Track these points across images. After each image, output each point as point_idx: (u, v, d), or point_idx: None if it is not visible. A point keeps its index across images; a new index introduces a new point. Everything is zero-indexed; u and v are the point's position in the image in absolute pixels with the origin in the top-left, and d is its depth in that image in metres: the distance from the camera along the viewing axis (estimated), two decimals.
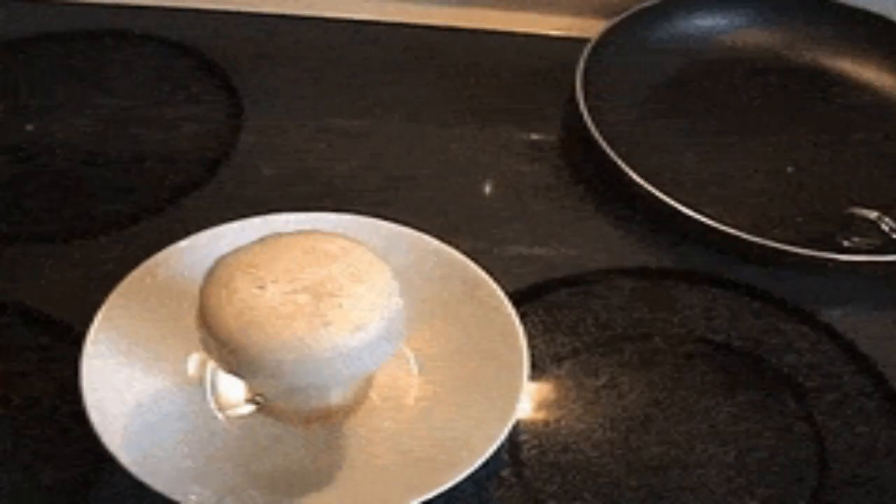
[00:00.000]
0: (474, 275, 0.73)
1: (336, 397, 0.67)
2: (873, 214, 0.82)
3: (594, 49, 0.90)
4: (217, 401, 0.68)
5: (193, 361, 0.68)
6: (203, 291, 0.62)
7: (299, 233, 0.64)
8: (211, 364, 0.68)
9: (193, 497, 0.62)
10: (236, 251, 0.63)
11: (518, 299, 0.73)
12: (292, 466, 0.66)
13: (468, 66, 0.96)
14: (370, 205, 0.77)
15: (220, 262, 0.63)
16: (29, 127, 0.87)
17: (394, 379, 0.70)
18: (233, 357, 0.60)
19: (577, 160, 0.88)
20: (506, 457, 0.69)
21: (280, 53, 0.96)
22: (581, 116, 0.85)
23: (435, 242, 0.74)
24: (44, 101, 0.90)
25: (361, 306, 0.61)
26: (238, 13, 0.98)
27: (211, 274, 0.63)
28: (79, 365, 0.66)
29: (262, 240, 0.64)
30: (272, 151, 0.87)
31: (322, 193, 0.83)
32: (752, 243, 0.78)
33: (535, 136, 0.90)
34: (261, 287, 0.61)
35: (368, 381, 0.69)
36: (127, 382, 0.67)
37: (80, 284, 0.75)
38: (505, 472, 0.68)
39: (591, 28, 0.94)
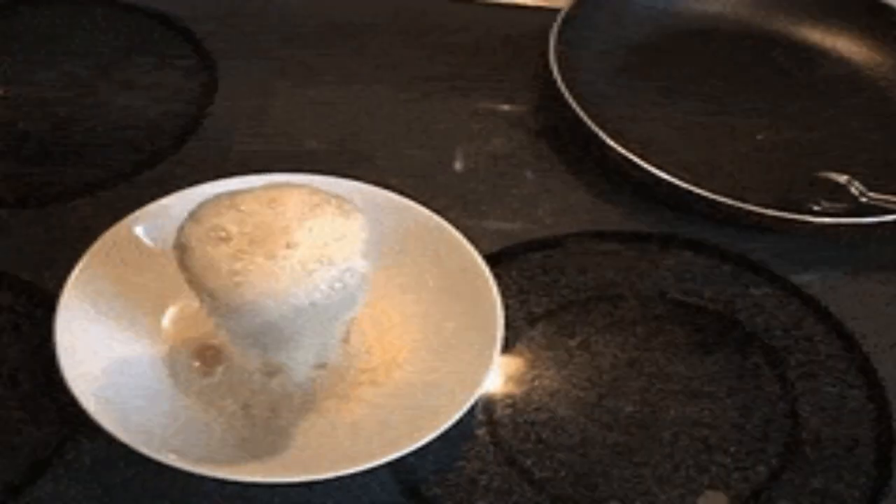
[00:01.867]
0: (450, 236, 0.72)
1: (309, 354, 0.66)
2: (843, 178, 0.82)
3: (566, 17, 0.90)
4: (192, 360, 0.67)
5: (167, 319, 0.68)
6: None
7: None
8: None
9: (171, 455, 0.61)
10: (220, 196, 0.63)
11: (492, 262, 0.72)
12: (265, 424, 0.65)
13: (442, 33, 0.95)
14: (343, 171, 0.75)
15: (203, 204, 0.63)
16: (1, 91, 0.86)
17: (368, 338, 0.69)
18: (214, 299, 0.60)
19: (551, 127, 0.87)
20: (480, 416, 0.68)
21: (254, 19, 0.95)
22: (555, 83, 0.84)
23: (411, 204, 0.73)
24: (14, 65, 0.88)
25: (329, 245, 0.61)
26: None
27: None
28: (52, 326, 0.65)
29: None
30: (246, 118, 0.86)
31: (295, 159, 0.81)
32: (725, 206, 0.78)
33: (509, 104, 0.90)
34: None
35: (341, 341, 0.68)
36: (101, 341, 0.66)
37: (52, 248, 0.74)
38: (479, 431, 0.68)
39: None
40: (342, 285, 0.61)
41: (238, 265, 0.60)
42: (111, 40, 0.91)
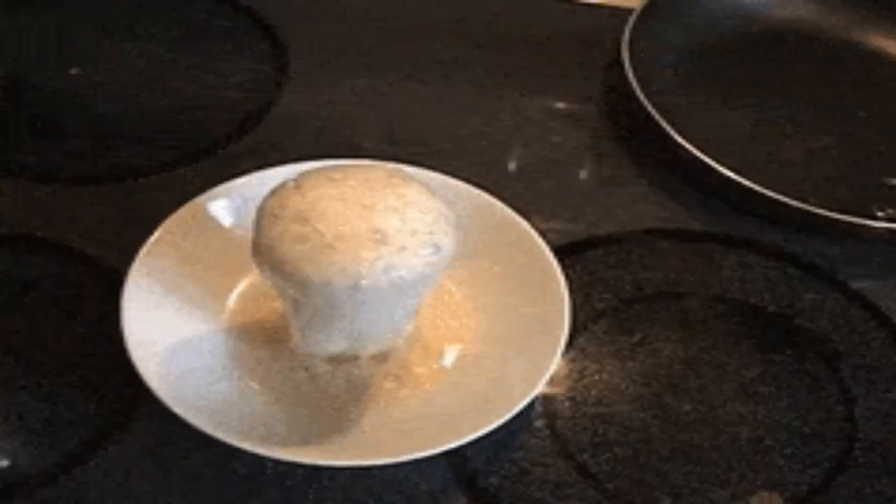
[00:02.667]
0: (519, 228, 0.72)
1: (374, 339, 0.66)
2: None
3: (639, 17, 0.90)
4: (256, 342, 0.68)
5: (233, 299, 0.69)
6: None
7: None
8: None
9: (230, 433, 0.61)
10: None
11: (557, 256, 0.72)
12: (322, 409, 0.66)
13: (511, 30, 0.95)
14: (410, 162, 0.76)
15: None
16: (73, 70, 0.87)
17: (433, 326, 0.70)
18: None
19: (617, 125, 0.87)
20: (539, 408, 0.69)
21: (328, 10, 0.95)
22: (627, 80, 0.84)
23: (481, 194, 0.74)
24: (89, 46, 0.89)
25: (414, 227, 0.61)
26: None
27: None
28: (120, 303, 0.66)
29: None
30: (316, 105, 0.86)
31: (360, 150, 0.82)
32: (789, 207, 0.77)
33: (576, 101, 0.90)
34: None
35: (407, 327, 0.68)
36: (166, 319, 0.67)
37: (121, 226, 0.75)
38: (538, 423, 0.68)
39: None
40: (427, 262, 0.62)
41: (314, 239, 0.60)
42: (185, 25, 0.92)
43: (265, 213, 0.62)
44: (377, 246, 0.60)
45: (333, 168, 0.64)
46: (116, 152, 0.81)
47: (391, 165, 0.68)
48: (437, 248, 0.62)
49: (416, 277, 0.62)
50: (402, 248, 0.61)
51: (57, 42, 0.90)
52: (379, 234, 0.61)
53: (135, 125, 0.83)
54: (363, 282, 0.60)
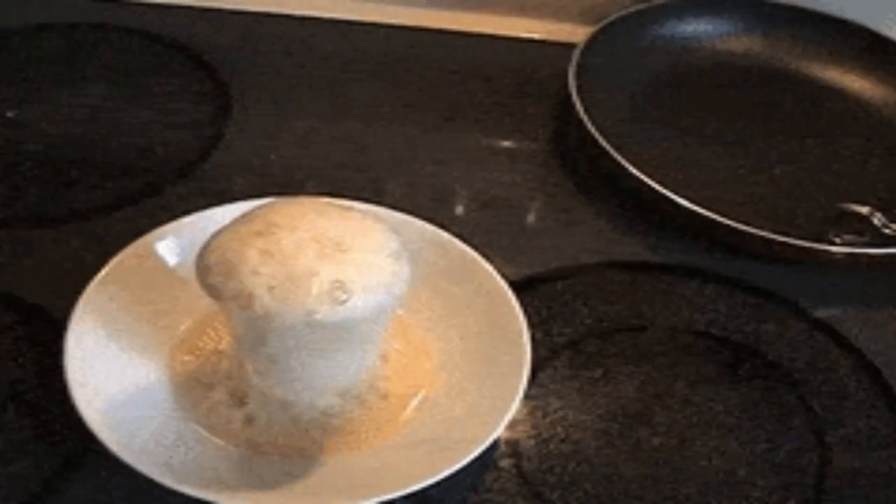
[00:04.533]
0: (476, 264, 0.69)
1: (330, 379, 0.62)
2: (865, 209, 0.79)
3: (583, 52, 0.87)
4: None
5: (179, 341, 0.65)
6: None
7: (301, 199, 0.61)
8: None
9: (175, 479, 0.57)
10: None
11: (513, 291, 0.68)
12: (280, 452, 0.61)
13: (453, 68, 0.92)
14: (360, 200, 0.71)
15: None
16: (9, 114, 0.82)
17: (391, 365, 0.65)
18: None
19: (570, 160, 0.84)
20: (504, 447, 0.64)
21: (270, 51, 0.91)
22: (576, 115, 0.81)
23: (437, 231, 0.70)
24: (28, 89, 0.85)
25: (369, 262, 0.57)
26: (230, 11, 0.94)
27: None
28: (62, 348, 0.61)
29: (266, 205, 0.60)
30: (258, 147, 0.82)
31: (307, 190, 0.78)
32: (748, 235, 0.74)
33: (526, 138, 0.86)
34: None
35: (364, 368, 0.63)
36: (110, 364, 0.63)
37: (62, 270, 0.70)
38: (504, 463, 0.64)
39: (571, 33, 0.92)
40: (372, 304, 0.57)
41: (265, 271, 0.56)
42: (126, 68, 0.88)
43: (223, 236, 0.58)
44: (331, 284, 0.56)
45: (288, 202, 0.60)
46: (55, 195, 0.77)
47: (346, 202, 0.64)
48: (390, 285, 0.58)
49: (370, 314, 0.58)
50: (358, 284, 0.56)
51: None
52: (334, 275, 0.56)
53: (74, 167, 0.79)
54: (317, 316, 0.55)
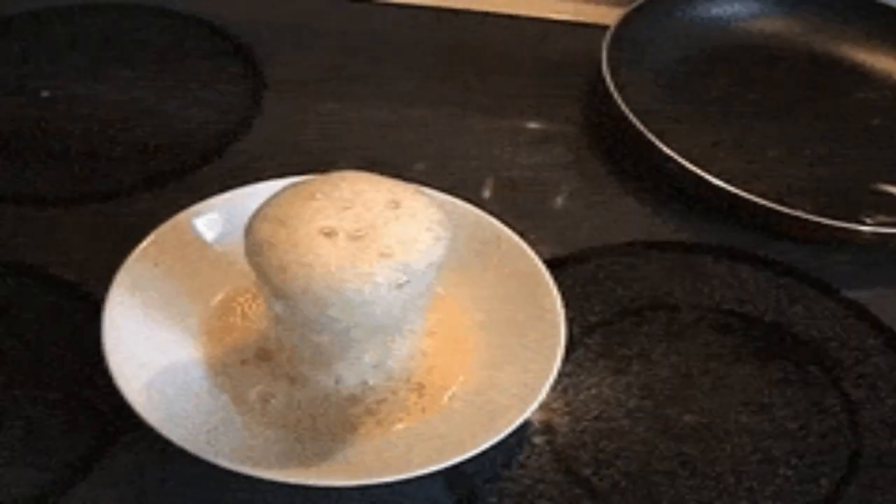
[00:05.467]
0: (511, 243, 0.68)
1: (367, 355, 0.61)
2: None
3: (615, 34, 0.86)
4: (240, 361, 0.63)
5: (217, 317, 0.64)
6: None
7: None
8: None
9: (213, 452, 0.57)
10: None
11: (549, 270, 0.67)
12: (314, 427, 0.61)
13: (485, 50, 0.91)
14: None
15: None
16: (45, 93, 0.82)
17: (429, 342, 0.65)
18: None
19: (602, 141, 0.83)
20: (538, 424, 0.64)
21: (303, 33, 0.91)
22: (609, 95, 0.80)
23: (474, 210, 0.69)
24: (62, 70, 0.84)
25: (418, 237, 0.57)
26: None
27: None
28: (101, 325, 0.61)
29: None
30: (290, 128, 0.82)
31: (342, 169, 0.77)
32: (780, 214, 0.74)
33: (555, 119, 0.85)
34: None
35: (406, 346, 0.63)
36: (147, 339, 0.62)
37: (95, 248, 0.70)
38: (537, 440, 0.63)
39: (601, 15, 0.91)
40: (407, 286, 0.56)
41: (309, 253, 0.55)
42: (162, 48, 0.87)
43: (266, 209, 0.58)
44: (379, 259, 0.56)
45: (338, 176, 0.59)
46: (91, 174, 0.76)
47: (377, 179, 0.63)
48: (420, 275, 0.57)
49: (395, 303, 0.57)
50: (380, 268, 0.56)
51: (29, 65, 0.85)
52: (382, 247, 0.56)
53: (108, 147, 0.78)
54: (366, 295, 0.55)
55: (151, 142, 0.79)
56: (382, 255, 0.55)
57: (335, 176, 0.59)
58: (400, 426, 0.61)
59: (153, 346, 0.62)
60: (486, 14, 0.94)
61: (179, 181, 0.76)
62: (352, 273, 0.55)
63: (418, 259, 0.56)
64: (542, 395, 0.60)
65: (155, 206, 0.71)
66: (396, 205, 0.57)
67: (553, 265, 0.70)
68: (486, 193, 0.78)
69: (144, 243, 0.65)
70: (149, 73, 0.85)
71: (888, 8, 0.92)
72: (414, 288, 0.57)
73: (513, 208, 0.75)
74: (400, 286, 0.56)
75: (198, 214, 0.67)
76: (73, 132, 0.79)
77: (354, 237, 0.56)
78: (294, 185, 0.59)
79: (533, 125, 0.85)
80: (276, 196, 0.59)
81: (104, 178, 0.76)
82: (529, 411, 0.60)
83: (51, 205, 0.74)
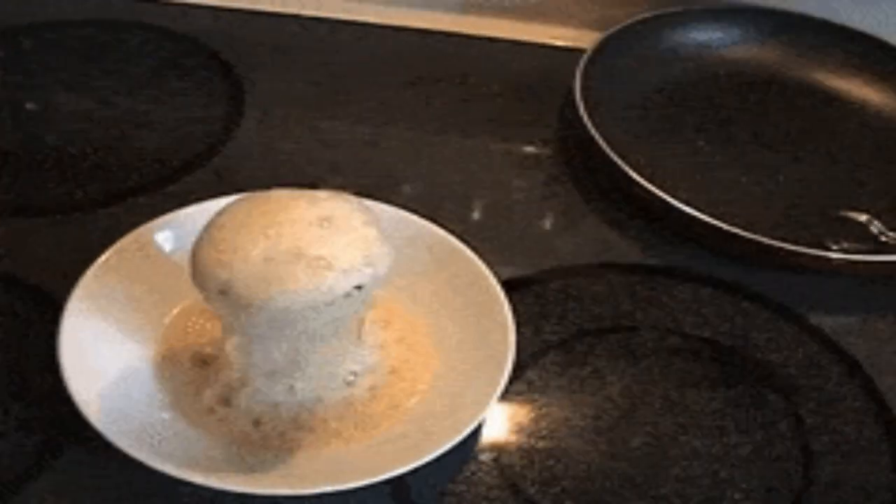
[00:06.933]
0: (466, 260, 0.67)
1: (314, 368, 0.61)
2: (863, 217, 0.76)
3: (591, 58, 0.85)
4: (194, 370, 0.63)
5: (173, 327, 0.64)
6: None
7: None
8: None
9: (163, 461, 0.56)
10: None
11: (507, 289, 0.66)
12: (261, 436, 0.60)
13: (464, 71, 0.90)
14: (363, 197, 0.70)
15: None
16: (29, 106, 0.82)
17: (380, 359, 0.64)
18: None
19: (571, 164, 0.82)
20: (485, 441, 0.63)
21: (286, 51, 0.91)
22: (580, 118, 0.79)
23: (429, 226, 0.69)
24: (46, 83, 0.85)
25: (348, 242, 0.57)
26: (248, 11, 0.93)
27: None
28: (57, 331, 0.61)
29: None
30: (269, 144, 0.81)
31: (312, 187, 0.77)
32: (746, 240, 0.72)
33: (531, 141, 0.84)
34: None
35: (349, 356, 0.62)
36: (105, 349, 0.62)
37: (67, 257, 0.69)
38: (484, 456, 0.62)
39: (580, 39, 0.90)
40: (352, 293, 0.56)
41: (247, 261, 0.56)
42: (144, 62, 0.87)
43: (208, 229, 0.58)
44: (314, 269, 0.55)
45: (264, 195, 0.59)
46: (66, 185, 0.76)
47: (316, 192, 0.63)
48: (372, 264, 0.57)
49: (343, 308, 0.57)
50: (327, 273, 0.56)
51: (12, 78, 0.85)
52: (317, 258, 0.55)
53: (89, 159, 0.78)
54: (299, 300, 0.55)
55: (131, 155, 0.79)
56: (317, 267, 0.55)
57: (272, 194, 0.59)
58: (346, 438, 0.60)
59: (109, 355, 0.62)
60: (465, 36, 0.93)
61: (153, 194, 0.76)
62: (285, 286, 0.55)
63: (353, 266, 0.56)
64: (486, 410, 0.60)
65: (128, 217, 0.71)
66: (329, 221, 0.57)
67: (515, 285, 0.69)
68: (456, 212, 0.77)
69: (105, 255, 0.65)
70: (128, 88, 0.85)
71: (864, 36, 0.91)
72: (352, 301, 0.56)
73: (482, 228, 0.75)
74: (338, 298, 0.56)
75: (159, 228, 0.67)
76: (56, 145, 0.79)
77: (291, 253, 0.55)
78: (235, 203, 0.59)
79: (505, 147, 0.84)
80: (217, 215, 0.58)
81: (84, 190, 0.76)
82: (474, 423, 0.59)
83: (29, 215, 0.74)
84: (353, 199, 0.60)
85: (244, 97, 0.84)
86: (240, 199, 0.59)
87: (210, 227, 0.58)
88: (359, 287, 0.57)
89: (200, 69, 0.87)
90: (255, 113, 0.83)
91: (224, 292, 0.56)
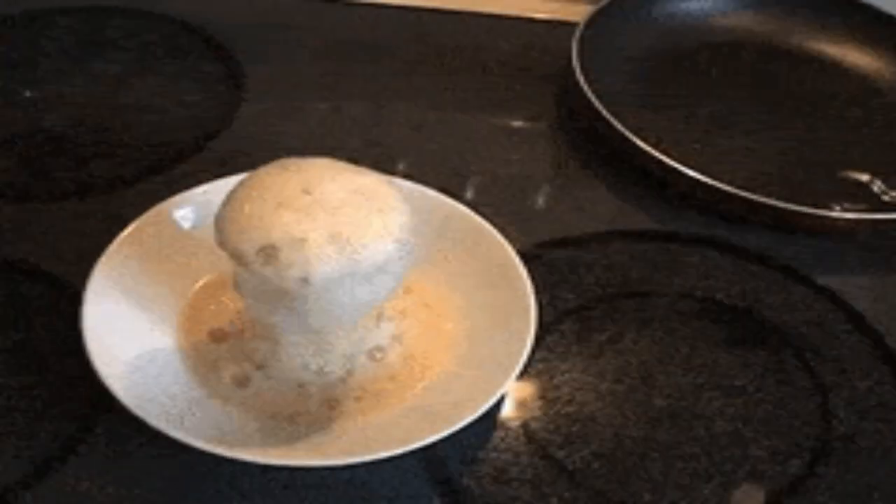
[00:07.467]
0: (485, 231, 0.67)
1: (339, 339, 0.61)
2: (865, 177, 0.77)
3: (584, 29, 0.85)
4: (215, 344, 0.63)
5: (194, 303, 0.64)
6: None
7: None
8: None
9: (192, 435, 0.56)
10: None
11: (521, 259, 0.67)
12: (288, 410, 0.60)
13: (459, 49, 0.90)
14: None
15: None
16: (27, 93, 0.81)
17: (400, 328, 0.64)
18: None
19: (574, 135, 0.82)
20: (512, 409, 0.63)
21: (281, 32, 0.90)
22: (580, 90, 0.79)
23: (447, 200, 0.69)
24: (44, 70, 0.84)
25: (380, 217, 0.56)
26: None
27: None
28: (80, 313, 0.60)
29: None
30: (270, 125, 0.81)
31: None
32: (750, 202, 0.73)
33: (529, 116, 0.84)
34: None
35: (374, 329, 0.62)
36: (127, 328, 0.61)
37: (76, 241, 0.69)
38: (511, 423, 0.62)
39: (574, 12, 0.90)
40: (378, 263, 0.56)
41: (284, 229, 0.55)
42: (141, 47, 0.86)
43: (231, 199, 0.57)
44: (335, 240, 0.55)
45: (301, 162, 0.59)
46: (72, 171, 0.75)
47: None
48: (402, 237, 0.56)
49: (368, 279, 0.56)
50: (358, 242, 0.55)
51: (9, 66, 0.84)
52: (338, 228, 0.55)
53: (90, 144, 0.77)
54: (328, 270, 0.54)
55: (132, 139, 0.78)
56: (339, 240, 0.54)
57: (305, 161, 0.58)
58: (375, 410, 0.60)
59: (132, 333, 0.61)
60: (463, 13, 0.93)
61: (159, 176, 0.75)
62: (309, 254, 0.54)
63: (380, 248, 0.55)
64: (514, 376, 0.60)
65: (137, 199, 0.69)
66: (362, 193, 0.56)
67: (527, 255, 0.69)
68: (463, 187, 0.77)
69: (123, 234, 0.65)
70: (128, 73, 0.84)
71: (858, 4, 0.91)
72: (378, 276, 0.56)
73: (489, 201, 0.74)
74: (360, 274, 0.55)
75: (176, 206, 0.67)
76: (56, 130, 0.78)
77: (328, 224, 0.55)
78: (257, 177, 0.58)
79: (510, 122, 0.84)
80: (244, 180, 0.58)
81: (87, 175, 0.75)
82: (500, 392, 0.59)
83: (36, 200, 0.73)
84: (385, 177, 0.59)
85: (243, 80, 0.84)
86: (277, 164, 0.59)
87: (244, 190, 0.57)
88: (392, 261, 0.56)
89: (198, 53, 0.86)
90: (256, 95, 0.83)
91: (263, 256, 0.55)
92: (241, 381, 0.61)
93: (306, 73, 0.86)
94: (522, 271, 0.65)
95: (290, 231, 0.54)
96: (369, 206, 0.56)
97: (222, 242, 0.56)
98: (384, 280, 0.57)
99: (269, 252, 0.54)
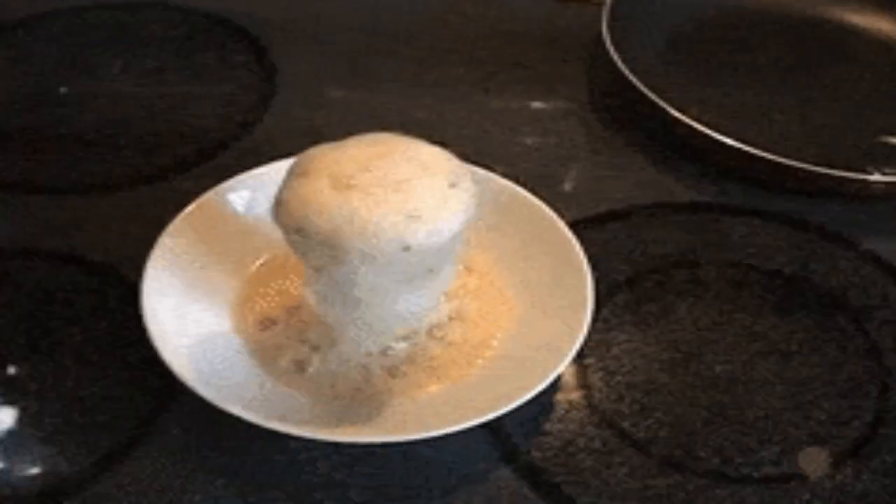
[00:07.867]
0: (533, 206, 0.67)
1: (398, 316, 0.60)
2: None
3: (613, 6, 0.84)
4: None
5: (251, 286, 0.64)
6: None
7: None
8: None
9: (257, 418, 0.55)
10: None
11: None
12: (353, 390, 0.60)
13: (491, 30, 0.90)
14: None
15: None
16: (62, 90, 0.81)
17: (458, 305, 0.64)
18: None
19: (609, 111, 0.82)
20: (574, 381, 0.63)
21: (310, 21, 0.90)
22: (614, 65, 0.79)
23: (497, 178, 0.68)
24: (78, 66, 0.83)
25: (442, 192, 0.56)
26: None
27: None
28: (140, 298, 0.60)
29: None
30: (304, 113, 0.80)
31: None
32: (790, 168, 0.72)
33: (562, 94, 0.84)
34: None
35: (433, 308, 0.62)
36: (187, 312, 0.61)
37: (124, 232, 0.69)
38: (574, 395, 0.62)
39: None
40: (437, 243, 0.55)
41: (347, 207, 0.54)
42: (174, 41, 0.86)
43: (297, 173, 0.56)
44: (404, 214, 0.54)
45: (358, 140, 0.58)
46: (113, 164, 0.75)
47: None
48: (463, 212, 0.56)
49: (425, 259, 0.56)
50: (434, 213, 0.55)
51: (45, 63, 0.84)
52: (409, 204, 0.55)
53: (128, 137, 0.77)
54: (394, 248, 0.54)
55: (170, 132, 0.78)
56: (407, 215, 0.54)
57: (367, 137, 0.58)
58: (437, 386, 0.60)
59: (191, 320, 0.61)
60: None
61: (201, 166, 0.75)
62: (373, 227, 0.54)
63: (444, 222, 0.55)
64: (576, 348, 0.59)
65: (180, 189, 0.70)
66: (424, 167, 0.56)
67: (575, 229, 0.68)
68: (506, 166, 0.76)
69: (177, 219, 0.64)
70: (161, 67, 0.84)
71: None
72: (437, 249, 0.55)
73: (532, 179, 0.73)
74: (419, 248, 0.54)
75: (228, 190, 0.66)
76: (92, 126, 0.78)
77: (376, 192, 0.55)
78: (312, 157, 0.58)
79: (542, 99, 0.84)
80: (298, 171, 0.57)
81: (128, 167, 0.75)
82: (563, 365, 0.59)
83: (80, 194, 0.73)
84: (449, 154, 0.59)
85: (276, 71, 0.84)
86: (354, 139, 0.58)
87: (298, 176, 0.56)
88: (447, 239, 0.56)
89: (229, 46, 0.86)
90: (288, 85, 0.83)
91: (332, 233, 0.54)
92: (300, 365, 0.61)
93: (337, 60, 0.86)
94: (576, 245, 0.65)
95: (362, 211, 0.54)
96: (439, 181, 0.55)
97: (287, 223, 0.55)
98: (445, 253, 0.57)
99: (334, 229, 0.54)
